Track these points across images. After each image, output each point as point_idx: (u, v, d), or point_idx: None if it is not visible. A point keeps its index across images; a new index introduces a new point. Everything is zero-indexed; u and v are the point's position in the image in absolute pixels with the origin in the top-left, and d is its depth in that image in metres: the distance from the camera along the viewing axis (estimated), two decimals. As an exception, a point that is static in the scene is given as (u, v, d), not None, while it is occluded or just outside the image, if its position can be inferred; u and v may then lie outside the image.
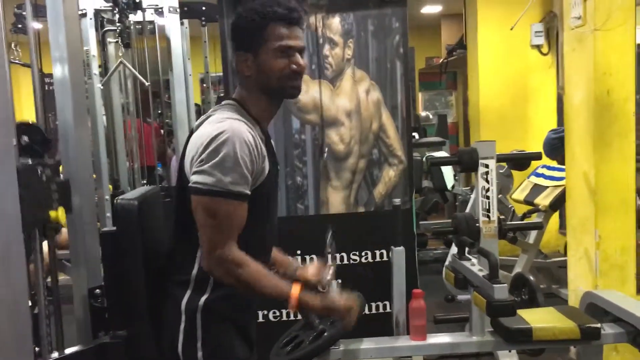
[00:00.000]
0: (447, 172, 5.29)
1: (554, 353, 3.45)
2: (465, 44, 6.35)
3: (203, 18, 4.76)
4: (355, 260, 2.94)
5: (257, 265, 1.48)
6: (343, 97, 2.90)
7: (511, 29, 5.06)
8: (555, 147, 3.93)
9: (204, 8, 4.74)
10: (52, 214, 1.59)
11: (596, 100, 3.01)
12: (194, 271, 1.51)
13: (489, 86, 5.71)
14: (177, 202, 1.56)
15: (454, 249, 4.39)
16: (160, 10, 4.20)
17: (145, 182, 4.96)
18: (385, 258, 2.94)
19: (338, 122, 2.91)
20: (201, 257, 1.47)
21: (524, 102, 5.72)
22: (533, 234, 3.81)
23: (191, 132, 1.57)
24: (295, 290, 1.49)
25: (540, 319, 2.44)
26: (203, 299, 1.51)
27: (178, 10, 4.30)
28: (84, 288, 1.92)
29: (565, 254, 4.75)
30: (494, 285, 2.18)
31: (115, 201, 1.51)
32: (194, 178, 1.44)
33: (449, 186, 5.31)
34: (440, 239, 4.72)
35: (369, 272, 2.89)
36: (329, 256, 1.74)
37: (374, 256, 2.95)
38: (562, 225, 5.56)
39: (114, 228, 1.52)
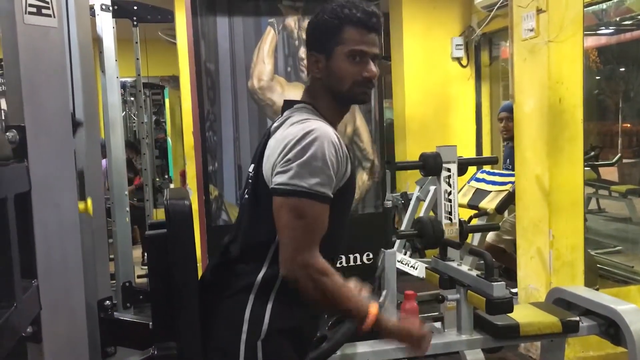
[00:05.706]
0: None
1: (505, 349, 3.60)
2: (386, 55, 6.52)
3: (135, 18, 4.53)
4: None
5: (339, 276, 1.39)
6: (319, 100, 2.85)
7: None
8: None
9: (135, 8, 4.51)
10: (81, 205, 1.44)
11: (550, 108, 3.20)
12: (260, 275, 1.41)
13: (414, 96, 5.91)
14: (250, 207, 1.46)
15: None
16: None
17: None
18: (359, 262, 2.94)
19: (314, 125, 2.86)
20: (281, 261, 1.36)
21: (445, 111, 5.99)
22: (477, 236, 3.96)
23: (267, 136, 1.48)
24: (374, 309, 1.41)
25: (523, 315, 2.53)
26: (269, 308, 1.40)
27: (111, 8, 4.08)
28: (93, 299, 1.76)
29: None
30: (493, 284, 2.24)
31: (165, 202, 1.38)
32: (278, 179, 1.35)
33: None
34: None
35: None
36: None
37: (347, 260, 2.94)
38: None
39: (164, 230, 1.38)
